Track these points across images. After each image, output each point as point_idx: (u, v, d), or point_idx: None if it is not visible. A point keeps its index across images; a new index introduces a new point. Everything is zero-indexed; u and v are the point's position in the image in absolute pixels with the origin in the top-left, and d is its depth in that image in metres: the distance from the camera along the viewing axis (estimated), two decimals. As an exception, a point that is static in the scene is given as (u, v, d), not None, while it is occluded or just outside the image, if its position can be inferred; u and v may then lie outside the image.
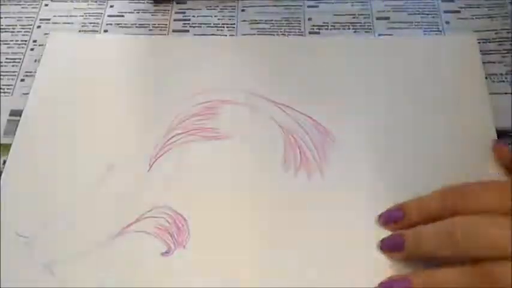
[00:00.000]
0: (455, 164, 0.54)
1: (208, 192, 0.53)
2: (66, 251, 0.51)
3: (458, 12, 0.65)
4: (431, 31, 0.64)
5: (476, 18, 0.64)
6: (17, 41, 0.66)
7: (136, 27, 0.67)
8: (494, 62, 0.61)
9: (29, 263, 0.50)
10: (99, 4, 0.69)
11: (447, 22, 0.64)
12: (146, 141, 0.56)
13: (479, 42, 0.62)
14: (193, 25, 0.66)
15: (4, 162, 0.57)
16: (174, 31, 0.66)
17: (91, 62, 0.62)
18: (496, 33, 0.63)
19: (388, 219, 0.51)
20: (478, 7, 0.65)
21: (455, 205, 0.47)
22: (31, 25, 0.68)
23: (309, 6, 0.68)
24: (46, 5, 0.69)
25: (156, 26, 0.67)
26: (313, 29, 0.65)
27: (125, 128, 0.57)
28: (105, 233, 0.51)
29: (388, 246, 0.50)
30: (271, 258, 0.50)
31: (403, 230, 0.49)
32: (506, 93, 0.58)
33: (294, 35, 0.65)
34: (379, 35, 0.64)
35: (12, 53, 0.65)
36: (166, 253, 0.50)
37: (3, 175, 0.55)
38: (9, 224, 0.52)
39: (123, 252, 0.50)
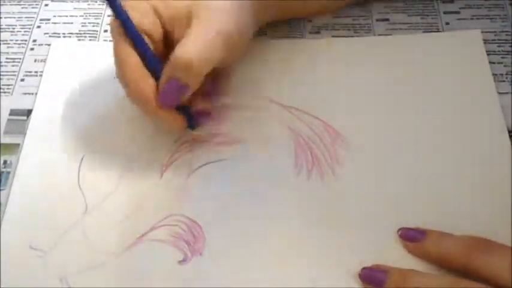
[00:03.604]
0: (467, 161, 0.54)
1: (221, 198, 0.53)
2: (81, 262, 0.50)
3: (458, 13, 0.65)
4: (431, 32, 0.64)
5: (475, 19, 0.65)
6: (16, 40, 0.66)
7: (137, 26, 0.67)
8: (494, 63, 0.61)
9: (44, 277, 0.49)
10: (99, 4, 0.69)
11: (447, 23, 0.64)
12: (156, 149, 0.56)
13: (479, 42, 0.63)
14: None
15: (4, 162, 0.56)
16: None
17: (94, 71, 0.62)
18: (495, 35, 0.63)
19: (405, 236, 0.50)
20: (478, 8, 0.66)
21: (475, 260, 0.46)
22: (31, 25, 0.67)
23: (309, 7, 0.68)
24: (46, 5, 0.69)
25: (157, 25, 0.67)
26: (313, 29, 0.65)
27: (135, 136, 0.57)
28: (120, 243, 0.51)
29: (366, 278, 0.49)
30: (289, 262, 0.50)
31: (390, 267, 0.48)
32: (506, 93, 0.59)
33: (293, 36, 0.65)
34: (379, 35, 0.64)
35: (12, 52, 0.65)
36: (183, 261, 0.50)
37: (12, 188, 0.55)
38: (23, 238, 0.51)
39: (139, 262, 0.50)
